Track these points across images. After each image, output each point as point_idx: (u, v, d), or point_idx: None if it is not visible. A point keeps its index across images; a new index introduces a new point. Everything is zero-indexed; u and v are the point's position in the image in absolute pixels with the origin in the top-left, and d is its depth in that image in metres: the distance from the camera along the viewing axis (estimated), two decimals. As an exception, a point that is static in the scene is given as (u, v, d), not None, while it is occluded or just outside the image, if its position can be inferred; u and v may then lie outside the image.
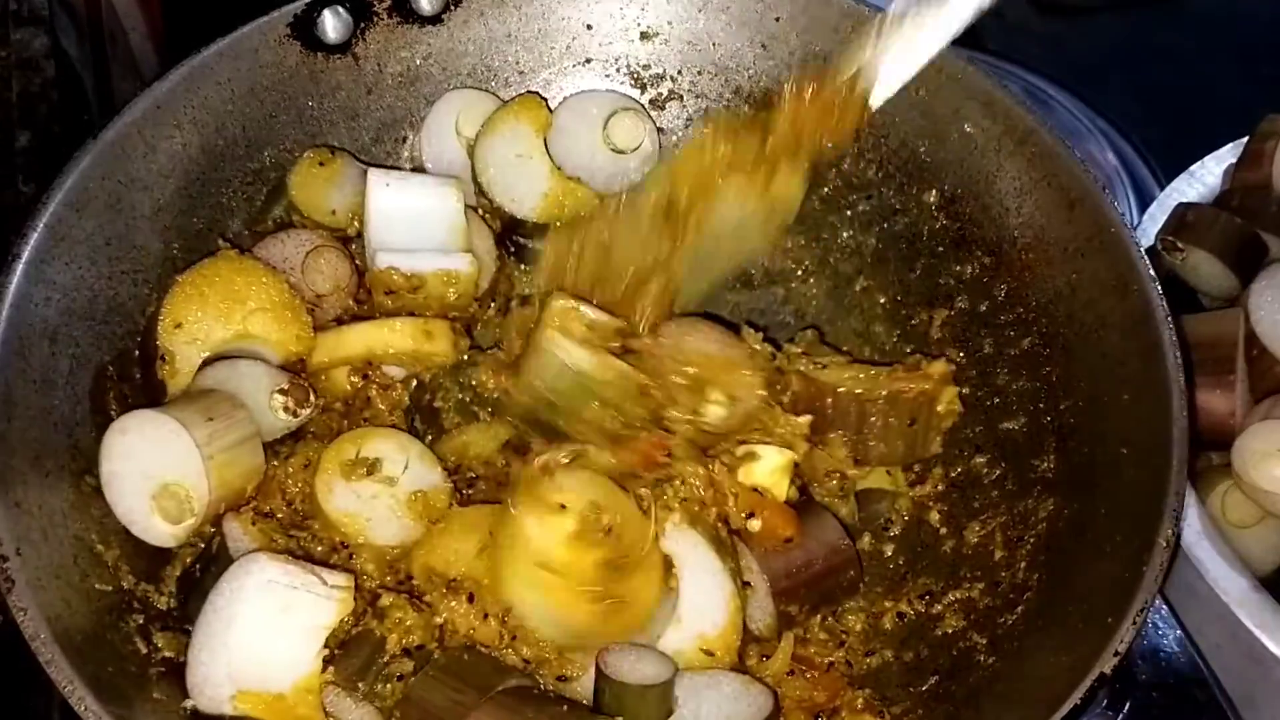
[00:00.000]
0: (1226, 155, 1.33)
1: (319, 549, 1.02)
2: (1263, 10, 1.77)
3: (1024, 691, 0.92)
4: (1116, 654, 0.86)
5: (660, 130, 1.25)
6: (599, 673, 0.95)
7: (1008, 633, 0.98)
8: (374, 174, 1.13)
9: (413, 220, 1.13)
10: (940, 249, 1.19)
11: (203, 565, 0.99)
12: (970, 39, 1.72)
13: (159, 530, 0.98)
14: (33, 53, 1.38)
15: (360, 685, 0.93)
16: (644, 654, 0.97)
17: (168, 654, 0.94)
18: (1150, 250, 1.04)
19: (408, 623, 0.96)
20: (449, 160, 1.22)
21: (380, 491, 1.02)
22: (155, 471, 0.97)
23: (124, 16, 1.59)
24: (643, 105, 1.25)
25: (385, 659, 0.94)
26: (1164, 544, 0.89)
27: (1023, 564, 1.02)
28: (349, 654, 0.93)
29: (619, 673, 0.94)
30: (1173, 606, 1.02)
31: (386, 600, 0.97)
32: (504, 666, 0.96)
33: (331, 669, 0.92)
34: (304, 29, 1.16)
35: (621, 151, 1.22)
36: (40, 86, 1.36)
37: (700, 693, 0.96)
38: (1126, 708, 0.97)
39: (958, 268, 1.17)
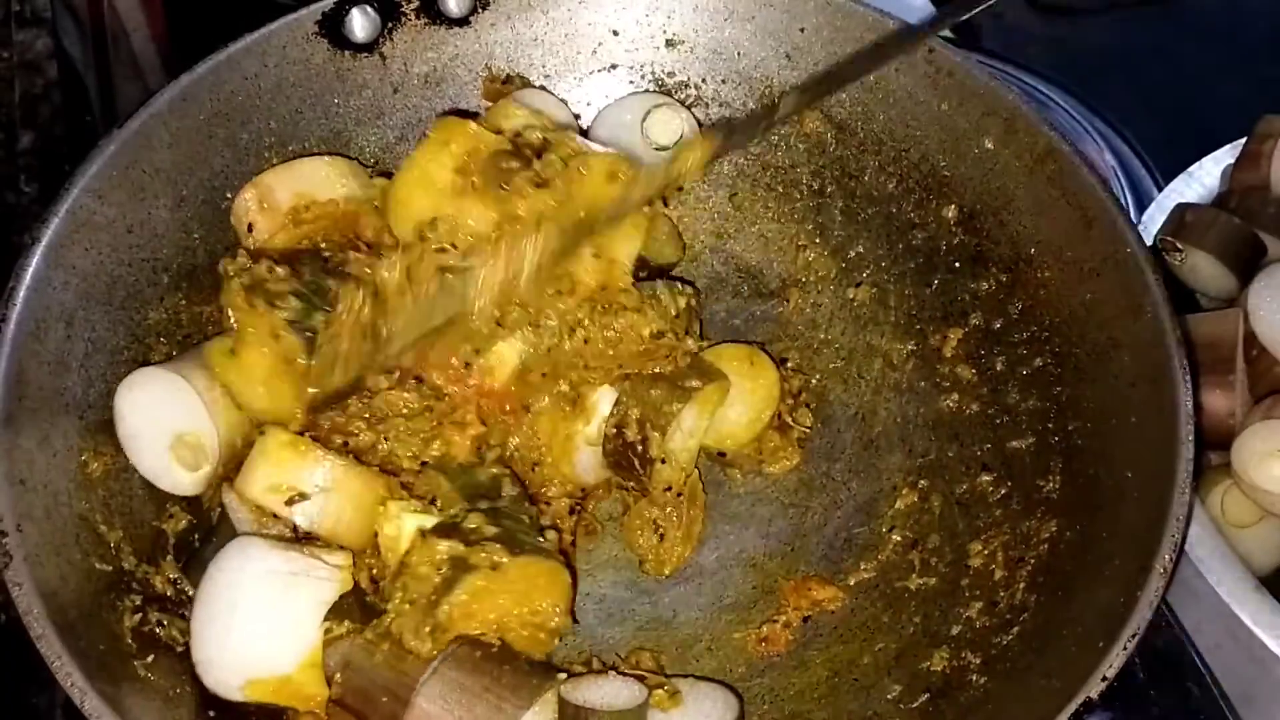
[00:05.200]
0: (1225, 156, 1.33)
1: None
2: (1262, 10, 1.75)
3: (1013, 713, 0.91)
4: (1105, 679, 0.84)
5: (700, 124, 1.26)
6: (568, 707, 0.93)
7: (1002, 653, 0.97)
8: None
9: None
10: (957, 265, 1.18)
11: (204, 536, 1.02)
12: (968, 39, 1.72)
13: (181, 479, 1.02)
14: (35, 54, 1.41)
15: (368, 634, 0.94)
16: (604, 681, 0.96)
17: (162, 636, 0.95)
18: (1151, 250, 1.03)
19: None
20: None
21: None
22: (167, 424, 1.00)
23: (126, 18, 1.61)
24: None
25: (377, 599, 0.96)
26: (1161, 570, 0.88)
27: (1022, 585, 1.00)
28: (341, 609, 0.94)
29: (593, 703, 0.93)
30: (1172, 606, 1.01)
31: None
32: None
33: (345, 625, 0.94)
34: (332, 27, 1.18)
35: (665, 148, 1.23)
36: (43, 88, 1.38)
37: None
38: (1125, 706, 0.95)
39: (973, 284, 1.16)
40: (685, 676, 1.01)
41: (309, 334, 1.00)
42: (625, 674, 0.98)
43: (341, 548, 0.98)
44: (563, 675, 0.95)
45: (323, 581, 0.94)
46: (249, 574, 0.92)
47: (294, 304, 1.01)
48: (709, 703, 0.97)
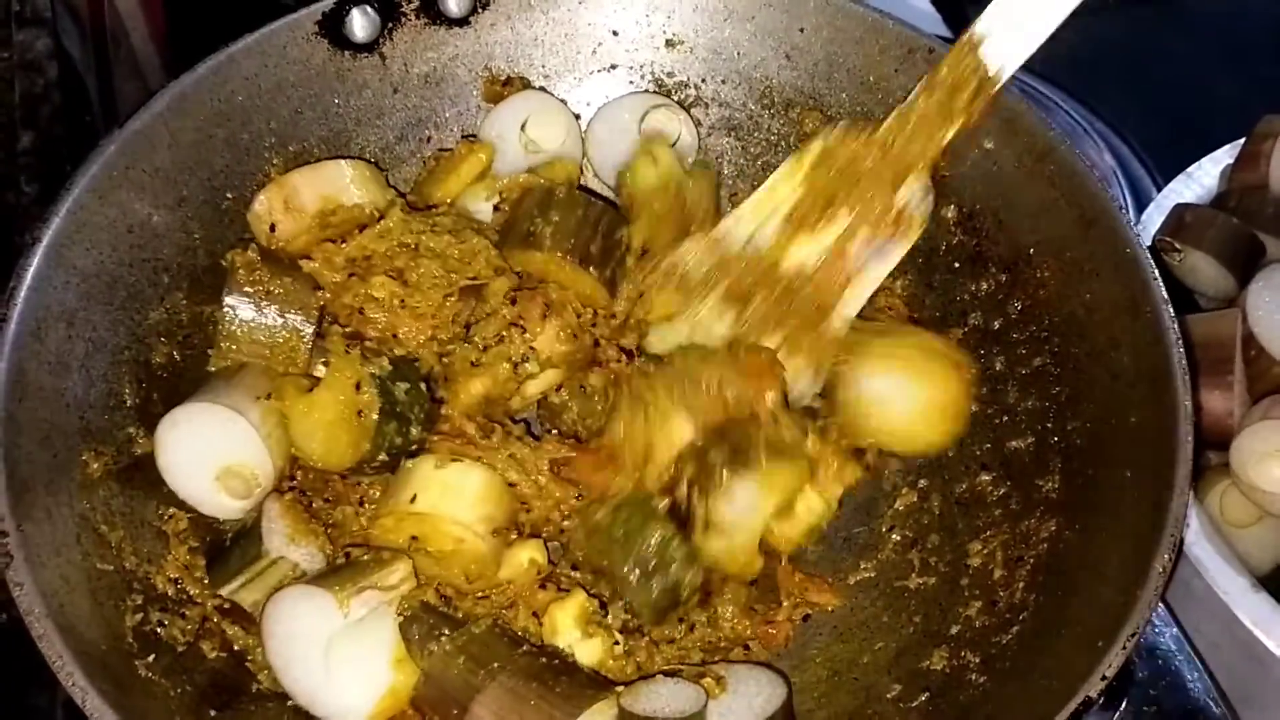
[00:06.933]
0: (1224, 156, 1.33)
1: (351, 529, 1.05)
2: (1261, 10, 1.76)
3: (1012, 713, 0.91)
4: (1104, 678, 0.85)
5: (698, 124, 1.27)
6: (633, 718, 0.94)
7: (1001, 653, 0.97)
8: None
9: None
10: (956, 265, 1.18)
11: (233, 538, 1.03)
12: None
13: (228, 506, 1.02)
14: (35, 54, 1.41)
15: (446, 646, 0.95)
16: (661, 686, 0.96)
17: (164, 636, 0.95)
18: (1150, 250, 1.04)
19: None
20: (510, 162, 1.23)
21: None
22: (216, 456, 1.00)
23: (127, 18, 1.61)
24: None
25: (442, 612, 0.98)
26: (1160, 570, 0.88)
27: (1021, 584, 1.00)
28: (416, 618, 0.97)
29: (659, 710, 0.93)
30: (1170, 605, 1.01)
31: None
32: (519, 639, 0.97)
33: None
34: (332, 27, 1.18)
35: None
36: (43, 88, 1.38)
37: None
38: (1123, 705, 0.96)
39: (973, 285, 1.16)
40: (721, 663, 1.02)
41: (389, 396, 1.02)
42: (671, 675, 0.99)
43: (396, 556, 0.98)
44: (619, 688, 0.95)
45: (392, 604, 0.96)
46: (324, 632, 0.93)
47: (385, 364, 1.03)
48: (753, 684, 0.98)
